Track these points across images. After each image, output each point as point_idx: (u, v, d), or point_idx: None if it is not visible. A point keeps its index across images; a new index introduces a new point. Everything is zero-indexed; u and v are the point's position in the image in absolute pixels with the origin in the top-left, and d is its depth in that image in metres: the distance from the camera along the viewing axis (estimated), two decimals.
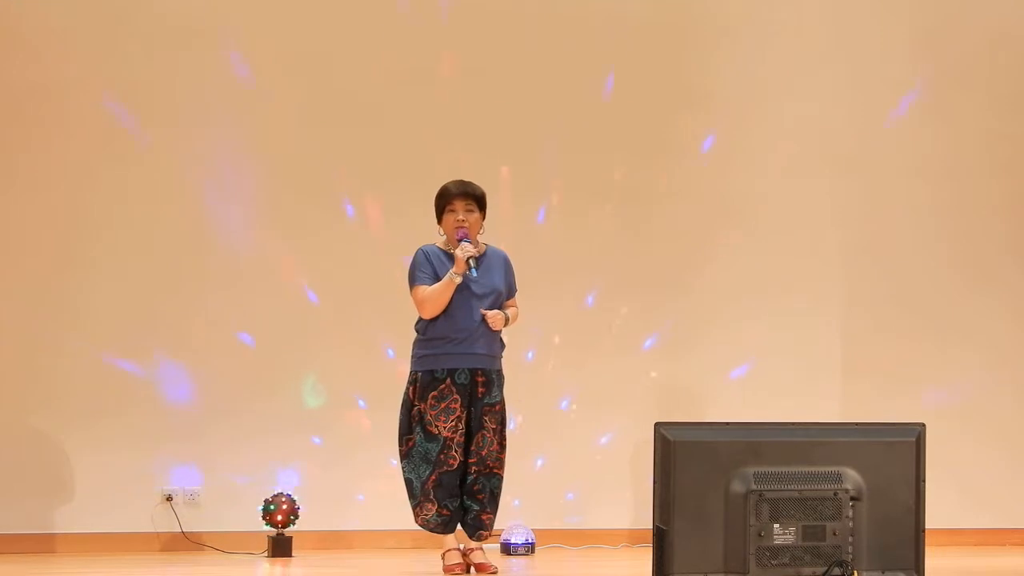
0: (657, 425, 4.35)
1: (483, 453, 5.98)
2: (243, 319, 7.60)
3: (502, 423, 6.07)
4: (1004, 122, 8.40)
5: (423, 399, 5.96)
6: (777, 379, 8.02)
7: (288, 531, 7.12)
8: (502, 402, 6.08)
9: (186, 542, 7.38)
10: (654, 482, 4.32)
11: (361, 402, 7.70)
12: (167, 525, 7.42)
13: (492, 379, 6.03)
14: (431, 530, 6.05)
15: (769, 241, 8.16)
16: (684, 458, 4.31)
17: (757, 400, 7.97)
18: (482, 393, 6.00)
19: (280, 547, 7.09)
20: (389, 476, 7.65)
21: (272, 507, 7.09)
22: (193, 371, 7.54)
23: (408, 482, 6.03)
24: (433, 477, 5.93)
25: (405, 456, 6.03)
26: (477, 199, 6.10)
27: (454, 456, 5.94)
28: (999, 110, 8.41)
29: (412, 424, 6.00)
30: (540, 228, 7.89)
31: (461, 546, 6.12)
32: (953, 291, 8.30)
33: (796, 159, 8.23)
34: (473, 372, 5.98)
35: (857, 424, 4.56)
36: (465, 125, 7.86)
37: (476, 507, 6.02)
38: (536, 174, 7.92)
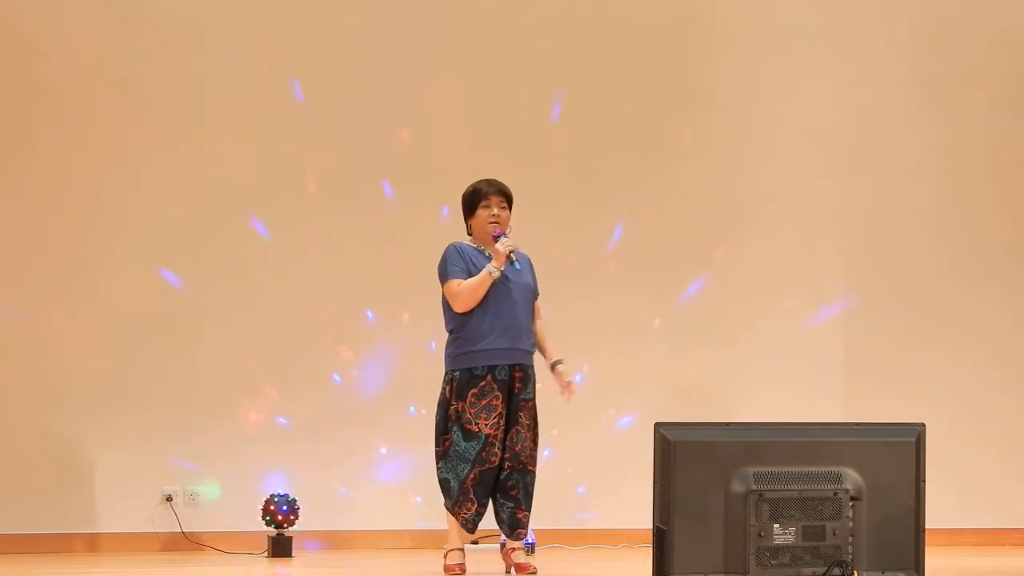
0: (657, 425, 4.35)
1: (517, 449, 5.92)
2: (240, 318, 7.60)
3: (535, 419, 6.03)
4: (1004, 122, 8.41)
5: (461, 397, 5.90)
6: (778, 379, 8.02)
7: (288, 531, 7.11)
8: (535, 399, 6.04)
9: (186, 542, 7.38)
10: (654, 482, 4.31)
11: (356, 399, 7.70)
12: (167, 525, 7.41)
13: (529, 375, 5.99)
14: (469, 530, 5.98)
15: (770, 241, 8.16)
16: (684, 458, 4.30)
17: (759, 400, 7.97)
18: (519, 389, 5.95)
19: (280, 547, 7.09)
20: (390, 476, 7.67)
21: (272, 507, 7.09)
22: (193, 372, 7.53)
23: (444, 482, 5.94)
24: (472, 475, 5.87)
25: (442, 456, 5.95)
26: (508, 197, 6.10)
27: (496, 453, 5.88)
28: (999, 110, 8.42)
29: (448, 424, 5.93)
30: (540, 226, 7.88)
31: (465, 546, 6.09)
32: (953, 291, 8.31)
33: (797, 159, 8.23)
34: (512, 368, 5.94)
35: (857, 424, 4.56)
36: (462, 123, 7.87)
37: (511, 504, 5.96)
38: (542, 172, 7.91)
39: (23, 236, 7.44)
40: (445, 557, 6.04)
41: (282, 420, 7.60)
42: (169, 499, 7.43)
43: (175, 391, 7.49)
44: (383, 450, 7.68)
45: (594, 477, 7.86)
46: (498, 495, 5.96)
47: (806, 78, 8.26)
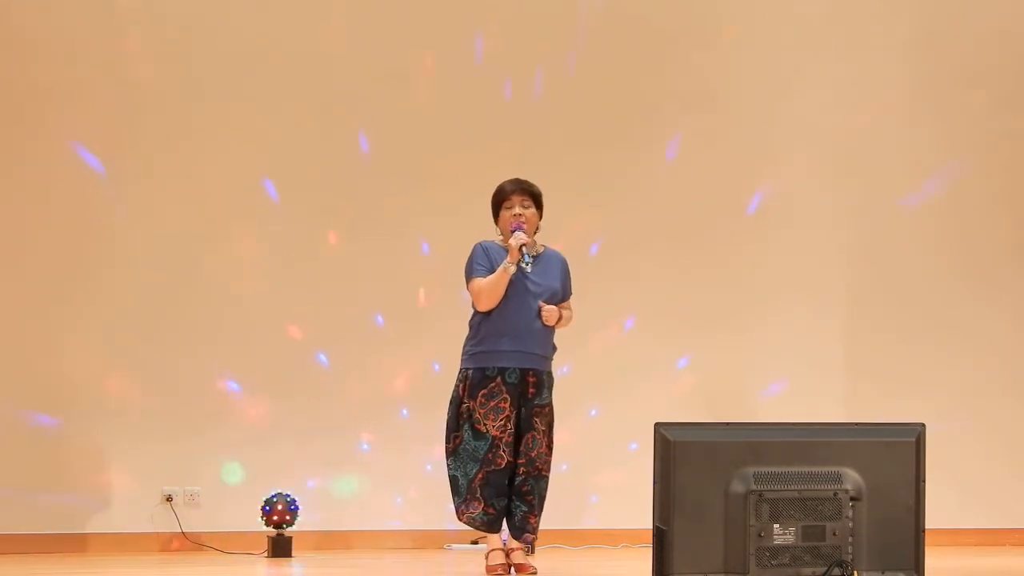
0: (657, 425, 4.35)
1: (532, 455, 5.91)
2: (241, 319, 7.60)
3: (550, 425, 6.00)
4: (1004, 122, 8.41)
5: (472, 396, 5.88)
6: (779, 379, 8.02)
7: (288, 531, 7.11)
8: (551, 404, 6.01)
9: (186, 542, 7.38)
10: (654, 482, 4.31)
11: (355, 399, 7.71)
12: (167, 525, 7.41)
13: (543, 380, 5.96)
14: (476, 527, 5.99)
15: (770, 241, 8.16)
16: (684, 458, 4.30)
17: (759, 400, 7.97)
18: (532, 394, 5.92)
19: (280, 547, 7.09)
20: (390, 477, 7.67)
21: (271, 507, 7.09)
22: (194, 371, 7.53)
23: (453, 479, 5.93)
24: (480, 475, 5.86)
25: (451, 453, 5.94)
26: (533, 196, 6.09)
27: (502, 456, 5.86)
28: (999, 110, 8.42)
29: (460, 421, 5.92)
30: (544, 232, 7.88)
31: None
32: (953, 291, 8.31)
33: (797, 159, 8.23)
34: (525, 372, 5.91)
35: (857, 424, 4.56)
36: (463, 127, 7.87)
37: (524, 508, 5.95)
38: (538, 178, 7.90)
39: (22, 236, 7.43)
40: (487, 558, 6.01)
41: (283, 419, 7.59)
42: (169, 499, 7.43)
43: (176, 391, 7.48)
44: (384, 450, 7.68)
45: (592, 478, 7.86)
46: (514, 498, 5.95)
47: (806, 78, 8.26)
